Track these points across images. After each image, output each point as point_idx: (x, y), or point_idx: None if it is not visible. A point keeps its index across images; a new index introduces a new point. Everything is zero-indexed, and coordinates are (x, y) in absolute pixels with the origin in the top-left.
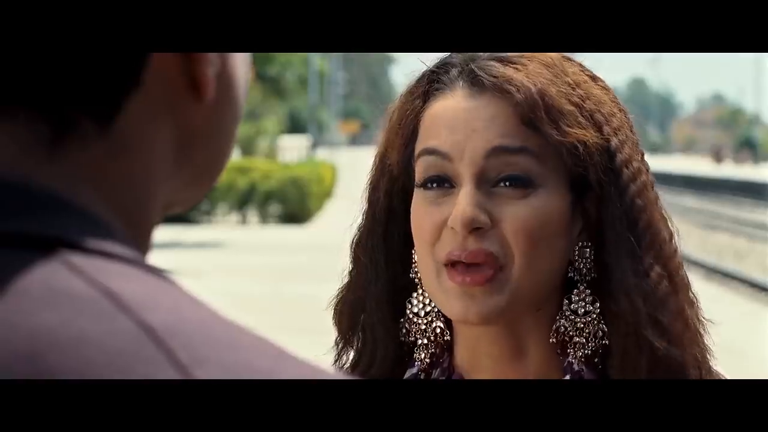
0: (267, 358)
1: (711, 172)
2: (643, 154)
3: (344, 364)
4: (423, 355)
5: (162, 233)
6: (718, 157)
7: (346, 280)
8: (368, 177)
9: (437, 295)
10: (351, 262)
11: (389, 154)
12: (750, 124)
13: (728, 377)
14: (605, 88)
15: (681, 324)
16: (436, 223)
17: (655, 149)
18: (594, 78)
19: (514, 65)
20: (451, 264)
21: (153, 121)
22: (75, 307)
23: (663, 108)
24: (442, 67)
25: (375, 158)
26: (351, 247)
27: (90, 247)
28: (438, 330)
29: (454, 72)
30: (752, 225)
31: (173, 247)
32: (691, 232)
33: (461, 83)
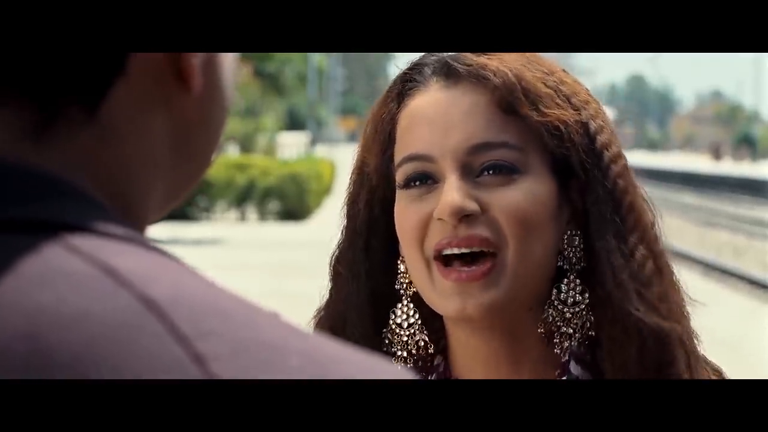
0: (270, 330)
1: (710, 169)
2: (619, 144)
3: None
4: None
5: (161, 230)
6: (716, 153)
7: (325, 298)
8: (347, 192)
9: (430, 294)
10: (331, 279)
11: (368, 162)
12: (749, 121)
13: (720, 366)
14: (577, 81)
15: (666, 304)
16: (422, 218)
17: (654, 146)
18: (566, 71)
19: (487, 55)
20: (443, 261)
21: (143, 111)
22: (73, 285)
23: (662, 104)
24: (414, 68)
25: (353, 172)
26: (330, 264)
27: (87, 227)
28: (421, 343)
29: (427, 69)
30: (751, 222)
31: (172, 244)
32: (690, 229)
33: (435, 78)
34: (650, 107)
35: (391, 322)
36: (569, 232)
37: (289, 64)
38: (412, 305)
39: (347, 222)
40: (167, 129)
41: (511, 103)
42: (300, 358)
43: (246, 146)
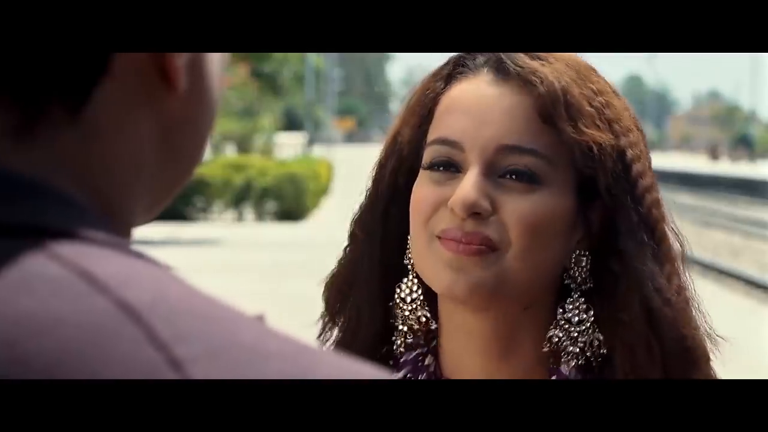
0: (249, 333)
1: (707, 169)
2: (654, 176)
3: (327, 340)
4: (399, 342)
5: (158, 230)
6: (714, 154)
7: (340, 256)
8: (378, 157)
9: (427, 265)
10: (348, 238)
11: (402, 132)
12: (746, 121)
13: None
14: (627, 106)
15: (698, 335)
16: (435, 201)
17: (651, 146)
18: (617, 93)
19: (540, 60)
20: (447, 239)
21: (128, 111)
22: (51, 291)
23: (659, 104)
24: (469, 54)
25: (387, 138)
26: (351, 224)
27: (67, 231)
28: (422, 319)
29: (480, 59)
30: (748, 222)
31: (169, 245)
32: (687, 229)
33: (486, 69)
34: (647, 107)
35: (396, 296)
36: (578, 251)
37: (287, 64)
38: (416, 281)
39: (372, 185)
40: (152, 129)
41: (551, 113)
42: (279, 362)
43: (243, 146)
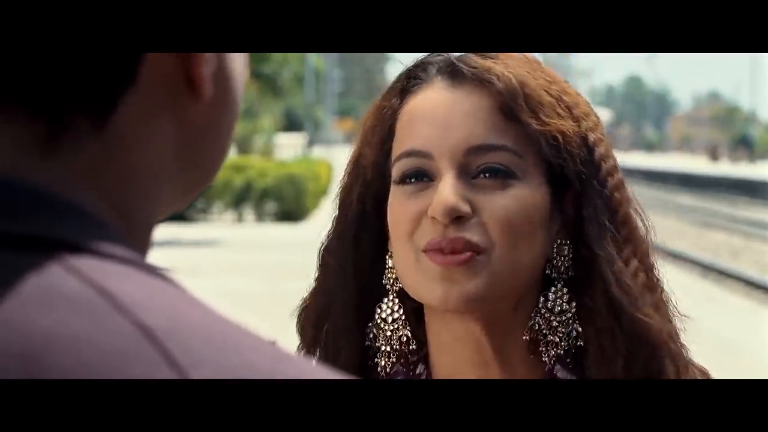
0: (266, 359)
1: (707, 170)
2: (615, 158)
3: None
4: (384, 363)
5: (158, 231)
6: (714, 154)
7: (311, 287)
8: (341, 182)
9: (416, 280)
10: (318, 268)
11: (365, 155)
12: (746, 122)
13: (705, 367)
14: (578, 93)
15: (658, 317)
16: (414, 214)
17: (651, 147)
18: (567, 83)
19: (492, 59)
20: (432, 250)
21: (151, 120)
22: (70, 308)
23: (659, 105)
24: (419, 65)
25: (348, 163)
26: (319, 254)
27: (86, 247)
28: (404, 339)
29: (432, 68)
30: (748, 223)
31: (169, 245)
32: (687, 230)
33: (440, 77)
34: (647, 108)
35: (376, 316)
36: (559, 240)
37: (287, 65)
38: (397, 300)
39: (338, 212)
40: (175, 137)
41: (512, 108)
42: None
43: (243, 147)
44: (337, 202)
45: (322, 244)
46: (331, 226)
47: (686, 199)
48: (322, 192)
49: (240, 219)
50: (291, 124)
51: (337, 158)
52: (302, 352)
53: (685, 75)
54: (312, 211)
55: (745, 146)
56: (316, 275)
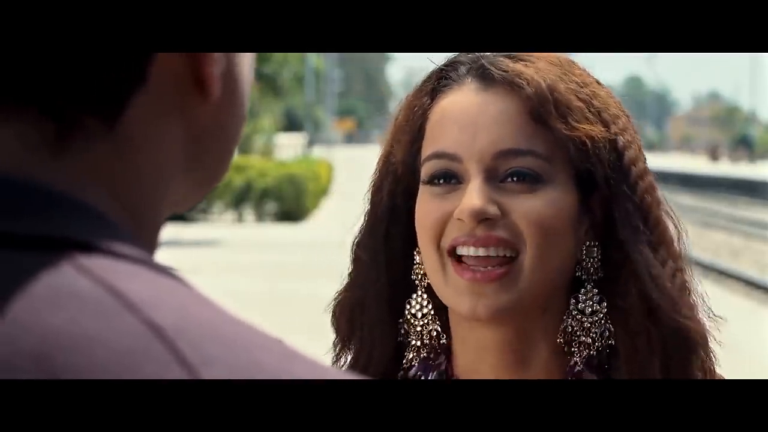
0: (275, 358)
1: (707, 170)
2: (646, 159)
3: (342, 366)
4: (411, 356)
5: None
6: (714, 155)
7: (345, 281)
8: (372, 179)
9: (444, 291)
10: (351, 262)
11: (395, 153)
12: (746, 122)
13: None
14: (610, 94)
15: (695, 318)
16: (442, 215)
17: (652, 147)
18: (599, 82)
19: (523, 61)
20: (458, 259)
21: (160, 120)
22: (81, 307)
23: (659, 105)
24: (450, 65)
25: (379, 160)
26: (352, 248)
27: (97, 246)
28: (434, 333)
29: (462, 69)
30: (748, 223)
31: (170, 245)
32: (687, 230)
33: (470, 79)
34: (647, 108)
35: (406, 312)
36: (588, 243)
37: (287, 65)
38: (426, 296)
39: (370, 208)
40: (183, 136)
41: (541, 113)
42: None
43: (243, 147)
44: (369, 197)
45: (355, 238)
46: (363, 221)
47: (686, 199)
48: (322, 192)
49: (240, 219)
50: (291, 124)
51: (337, 158)
52: (338, 347)
53: (685, 75)
54: (312, 211)
55: (745, 146)
56: (349, 270)
